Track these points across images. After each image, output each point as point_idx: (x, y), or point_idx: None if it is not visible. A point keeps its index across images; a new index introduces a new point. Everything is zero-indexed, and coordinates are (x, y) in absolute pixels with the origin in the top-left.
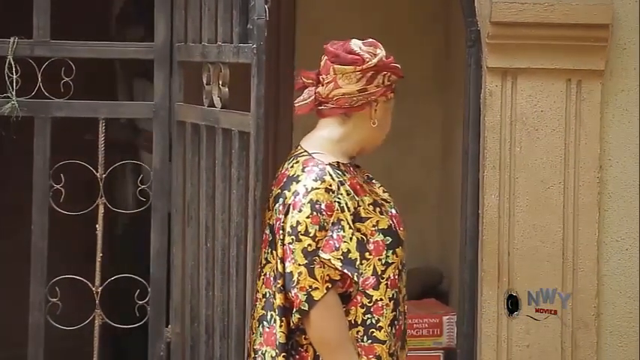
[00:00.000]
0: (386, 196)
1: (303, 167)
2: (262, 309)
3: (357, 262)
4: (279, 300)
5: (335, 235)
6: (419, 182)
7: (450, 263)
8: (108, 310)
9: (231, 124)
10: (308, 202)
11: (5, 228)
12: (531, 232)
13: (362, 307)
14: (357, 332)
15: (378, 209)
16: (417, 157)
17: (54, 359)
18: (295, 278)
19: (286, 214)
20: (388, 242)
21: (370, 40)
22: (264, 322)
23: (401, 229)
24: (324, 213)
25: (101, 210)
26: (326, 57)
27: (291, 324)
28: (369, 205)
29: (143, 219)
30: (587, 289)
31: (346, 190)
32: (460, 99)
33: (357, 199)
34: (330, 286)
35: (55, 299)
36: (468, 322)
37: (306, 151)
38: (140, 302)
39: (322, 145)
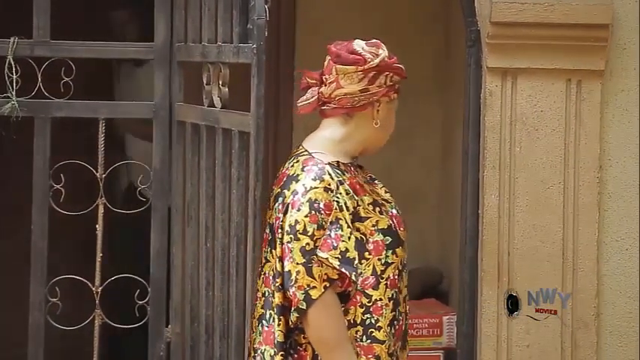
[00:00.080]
0: (387, 196)
1: (303, 166)
2: (262, 308)
3: (356, 262)
4: (277, 299)
5: (333, 234)
6: (419, 182)
7: (450, 263)
8: (108, 310)
9: (231, 124)
10: (307, 201)
11: (5, 228)
12: (531, 232)
13: (361, 306)
14: (357, 332)
15: (377, 209)
16: (417, 157)
17: (54, 359)
18: (293, 277)
19: (285, 213)
20: (388, 242)
21: (374, 40)
22: (264, 321)
23: (401, 229)
24: (322, 212)
25: (101, 210)
26: (329, 57)
27: (290, 323)
28: (368, 204)
29: (143, 219)
30: (587, 289)
31: (345, 190)
32: (460, 99)
33: (357, 198)
34: (327, 285)
35: (55, 299)
36: (468, 322)
37: (306, 150)
38: (140, 302)
39: (323, 145)
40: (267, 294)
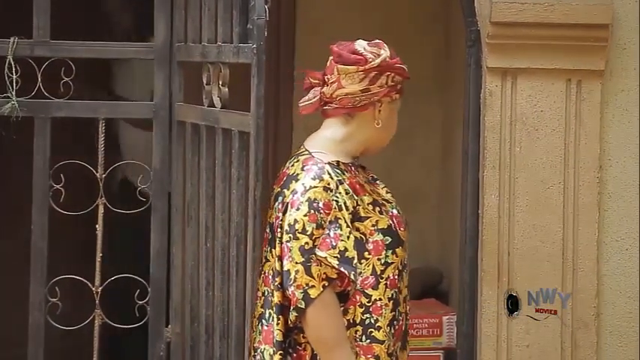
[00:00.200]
0: (388, 196)
1: (303, 166)
2: (262, 307)
3: (355, 261)
4: (276, 298)
5: (332, 234)
6: (419, 182)
7: (450, 263)
8: (108, 310)
9: (231, 124)
10: (306, 201)
11: (5, 228)
12: (531, 232)
13: (361, 306)
14: (356, 332)
15: (377, 209)
16: (417, 157)
17: (54, 359)
18: (292, 276)
19: (284, 212)
20: (388, 242)
21: (377, 41)
22: (263, 321)
23: (401, 229)
24: (321, 211)
25: (101, 210)
26: (332, 57)
27: (289, 322)
28: (368, 204)
29: (143, 219)
30: (587, 289)
31: (345, 189)
32: (460, 99)
33: (356, 198)
34: (326, 284)
35: (55, 299)
36: (468, 322)
37: (307, 150)
38: (140, 302)
39: (324, 145)
40: (266, 293)
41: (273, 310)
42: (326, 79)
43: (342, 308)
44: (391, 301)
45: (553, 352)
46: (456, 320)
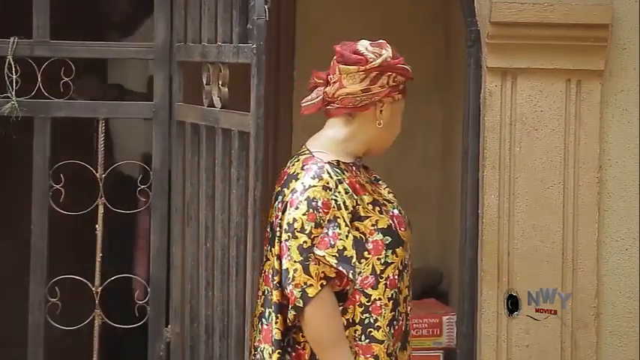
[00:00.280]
0: (390, 197)
1: (303, 165)
2: (262, 306)
3: (353, 260)
4: (275, 297)
5: (330, 233)
6: (419, 182)
7: (450, 263)
8: (108, 310)
9: (230, 124)
10: (305, 200)
11: (5, 228)
12: (531, 232)
13: (360, 306)
14: (355, 331)
15: (377, 208)
16: (417, 157)
17: (54, 359)
18: (291, 275)
19: (284, 211)
20: (388, 242)
21: (380, 41)
22: (263, 319)
23: (402, 229)
24: (320, 210)
25: (101, 210)
26: (335, 57)
27: (288, 321)
28: (368, 204)
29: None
30: (587, 289)
31: (344, 189)
32: (460, 99)
33: (356, 197)
34: (324, 283)
35: (54, 299)
36: (468, 322)
37: (308, 149)
38: (140, 302)
39: (326, 145)
40: (267, 292)
41: (272, 308)
42: (329, 79)
43: (342, 307)
44: (391, 301)
45: (553, 352)
46: (456, 320)
